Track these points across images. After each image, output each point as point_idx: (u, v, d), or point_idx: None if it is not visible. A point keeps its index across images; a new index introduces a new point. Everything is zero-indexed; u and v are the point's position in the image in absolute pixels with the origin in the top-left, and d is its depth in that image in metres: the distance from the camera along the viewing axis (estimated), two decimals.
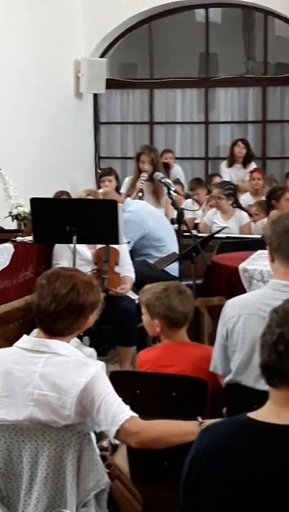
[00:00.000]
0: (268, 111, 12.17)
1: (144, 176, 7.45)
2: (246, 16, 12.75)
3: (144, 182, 7.46)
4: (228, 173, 10.52)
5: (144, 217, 6.73)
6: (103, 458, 2.97)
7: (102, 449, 3.12)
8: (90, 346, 4.48)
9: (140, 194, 7.41)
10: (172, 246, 6.51)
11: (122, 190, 7.78)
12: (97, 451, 2.92)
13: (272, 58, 12.26)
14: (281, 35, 12.33)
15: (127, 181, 7.98)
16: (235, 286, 5.48)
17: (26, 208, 6.55)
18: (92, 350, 4.28)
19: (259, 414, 2.12)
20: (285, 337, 2.08)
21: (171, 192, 6.09)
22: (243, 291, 5.04)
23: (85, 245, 6.01)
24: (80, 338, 4.28)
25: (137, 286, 6.20)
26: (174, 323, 3.77)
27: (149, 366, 3.74)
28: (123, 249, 6.13)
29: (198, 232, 8.02)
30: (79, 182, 10.65)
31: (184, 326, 3.83)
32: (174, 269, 6.12)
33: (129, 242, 6.42)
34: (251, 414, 2.13)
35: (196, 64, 12.87)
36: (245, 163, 10.53)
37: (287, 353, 2.06)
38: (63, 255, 6.04)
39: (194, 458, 2.15)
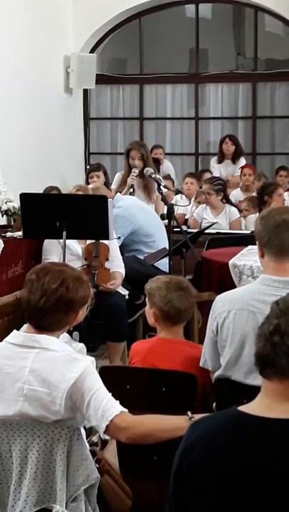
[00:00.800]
0: (258, 107, 12.17)
1: (135, 171, 7.44)
2: (236, 12, 12.75)
3: (135, 178, 7.45)
4: (218, 169, 10.54)
5: (134, 213, 6.73)
6: (93, 453, 2.97)
7: (91, 444, 3.13)
8: (80, 342, 4.48)
9: (131, 190, 7.40)
10: (162, 241, 6.51)
11: (113, 186, 7.77)
12: (87, 446, 2.92)
13: (262, 54, 12.26)
14: (271, 31, 12.33)
15: (117, 177, 7.97)
16: (225, 282, 5.49)
17: (16, 204, 6.53)
18: (81, 346, 4.28)
19: (250, 407, 2.12)
20: (281, 328, 2.08)
21: (162, 187, 6.09)
22: (233, 286, 5.05)
23: (75, 240, 6.00)
24: (70, 333, 4.28)
25: (127, 282, 6.22)
26: (168, 317, 3.77)
27: (140, 358, 3.75)
28: (113, 244, 6.13)
29: (188, 227, 8.03)
30: (69, 177, 10.65)
31: (179, 323, 3.82)
32: (164, 264, 6.12)
33: (119, 238, 6.42)
34: (242, 408, 2.13)
35: (186, 59, 12.86)
36: (234, 159, 10.56)
37: (282, 345, 2.06)
38: (53, 250, 6.03)
39: (184, 451, 2.15)
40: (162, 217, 6.00)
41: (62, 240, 5.57)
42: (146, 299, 3.88)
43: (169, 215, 5.65)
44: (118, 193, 7.14)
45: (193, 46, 12.32)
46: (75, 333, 4.50)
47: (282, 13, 10.95)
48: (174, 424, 2.89)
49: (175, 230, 5.99)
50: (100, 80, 11.84)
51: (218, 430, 2.12)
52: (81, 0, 11.31)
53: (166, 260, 5.89)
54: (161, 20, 12.15)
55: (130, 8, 11.59)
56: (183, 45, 12.63)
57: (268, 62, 12.68)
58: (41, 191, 8.61)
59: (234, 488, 2.03)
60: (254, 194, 8.74)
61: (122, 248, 6.51)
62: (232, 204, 8.56)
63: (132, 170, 7.48)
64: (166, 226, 6.18)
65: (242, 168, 10.03)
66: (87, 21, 11.45)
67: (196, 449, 2.11)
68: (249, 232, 7.25)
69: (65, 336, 3.47)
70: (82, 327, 4.74)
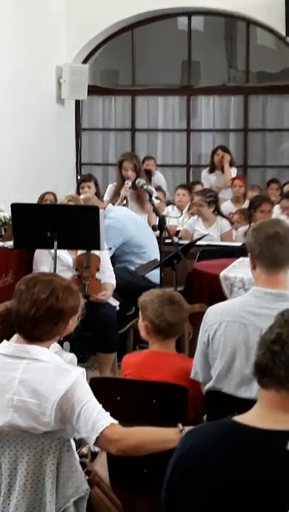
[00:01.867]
0: (249, 119, 12.21)
1: (128, 183, 7.45)
2: (228, 25, 12.81)
3: (129, 189, 7.46)
4: (209, 180, 10.56)
5: (126, 224, 6.73)
6: (83, 465, 2.96)
7: (81, 455, 3.11)
8: (71, 352, 4.47)
9: (124, 202, 7.41)
10: (154, 253, 6.51)
11: (106, 197, 7.77)
12: (77, 457, 2.91)
13: (254, 67, 12.31)
14: (263, 44, 12.38)
15: (110, 188, 7.97)
16: (216, 294, 5.49)
17: (7, 214, 6.52)
18: (72, 356, 4.26)
19: (245, 417, 2.11)
20: (283, 337, 2.08)
21: (153, 199, 6.09)
22: (224, 298, 5.05)
23: (65, 251, 5.99)
24: (61, 343, 4.26)
25: (118, 293, 6.20)
26: (159, 330, 3.77)
27: (132, 371, 3.74)
28: (104, 255, 6.12)
29: (180, 239, 8.03)
30: (60, 188, 10.61)
31: (170, 337, 3.82)
32: (155, 276, 6.11)
33: (110, 249, 6.41)
34: (237, 417, 2.12)
35: (179, 72, 12.90)
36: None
37: (281, 354, 2.06)
38: (44, 261, 6.02)
39: (178, 459, 2.14)
40: (154, 228, 5.99)
41: (53, 251, 5.56)
42: (139, 311, 3.87)
43: (161, 227, 5.65)
44: (110, 204, 7.13)
45: (185, 58, 12.37)
46: (66, 344, 4.49)
47: (274, 26, 11.00)
48: (164, 436, 2.88)
49: (166, 241, 5.98)
50: (92, 91, 11.86)
51: (212, 439, 2.11)
52: (74, 11, 11.33)
53: (157, 271, 5.88)
54: (154, 32, 12.19)
55: (123, 19, 11.63)
56: (175, 58, 12.67)
57: (260, 75, 12.74)
58: (33, 201, 8.58)
59: (227, 498, 2.03)
60: (245, 206, 8.77)
61: (114, 259, 6.51)
62: (223, 216, 8.57)
63: (125, 182, 7.49)
64: (157, 237, 6.18)
65: (233, 179, 10.05)
66: (79, 32, 11.48)
67: (189, 458, 2.11)
68: (240, 244, 7.25)
69: (55, 346, 3.45)
70: (73, 338, 4.73)
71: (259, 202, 7.83)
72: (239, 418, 2.12)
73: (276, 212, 8.50)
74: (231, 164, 10.63)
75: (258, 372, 2.12)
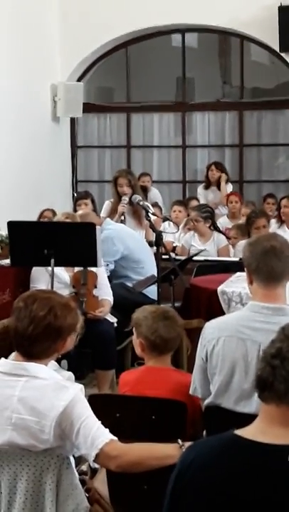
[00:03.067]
0: (244, 135, 12.24)
1: (126, 199, 7.46)
2: (222, 41, 12.86)
3: (126, 205, 7.47)
4: (205, 196, 10.59)
5: (124, 237, 6.73)
6: (82, 482, 2.95)
7: (81, 473, 3.10)
8: (69, 370, 4.46)
9: (122, 218, 7.42)
10: (151, 268, 6.51)
11: (102, 214, 7.78)
12: (77, 475, 2.90)
13: (248, 83, 12.36)
14: (257, 60, 12.44)
15: (107, 205, 7.98)
16: (213, 309, 5.49)
17: (4, 231, 6.52)
18: (70, 374, 4.25)
19: (245, 431, 2.11)
20: (283, 352, 2.09)
21: (150, 215, 6.10)
22: (221, 313, 5.04)
23: (62, 268, 5.99)
24: (58, 361, 4.25)
25: (116, 309, 6.20)
26: (154, 346, 3.76)
27: (129, 388, 3.74)
28: (101, 271, 6.12)
29: (177, 254, 8.04)
30: (56, 205, 10.61)
31: (165, 353, 3.81)
32: (152, 292, 6.11)
33: (107, 265, 6.40)
34: (238, 431, 2.12)
35: (173, 88, 12.95)
36: (220, 185, 10.62)
37: (281, 369, 2.07)
38: (41, 279, 6.02)
39: (180, 473, 2.14)
40: (150, 244, 6.00)
41: (50, 268, 5.56)
42: (133, 329, 3.87)
43: (158, 242, 5.66)
44: (107, 218, 7.14)
45: (179, 75, 12.41)
46: (64, 362, 4.49)
47: (268, 42, 11.05)
48: (164, 452, 2.87)
49: (163, 257, 5.99)
50: (87, 108, 11.89)
51: (213, 453, 2.11)
52: (68, 29, 11.38)
53: (154, 287, 5.88)
54: (148, 49, 12.24)
55: (117, 37, 11.68)
56: (169, 74, 12.73)
57: (254, 90, 12.79)
58: (28, 219, 8.60)
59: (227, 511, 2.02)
60: (241, 221, 8.77)
61: (111, 274, 6.51)
62: (220, 231, 8.58)
63: (122, 198, 7.51)
64: (154, 253, 6.18)
65: (228, 195, 10.08)
66: (74, 50, 11.52)
67: (191, 471, 2.11)
68: (237, 259, 7.26)
69: (53, 364, 3.45)
70: (71, 355, 4.72)
71: (253, 218, 7.85)
72: (240, 432, 2.12)
73: (273, 226, 8.51)
74: (227, 181, 10.67)
75: (258, 387, 2.12)
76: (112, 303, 6.13)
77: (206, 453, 2.13)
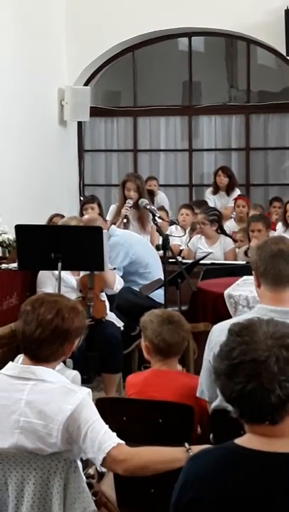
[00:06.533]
0: (251, 138, 12.23)
1: (130, 202, 7.46)
2: (229, 45, 12.85)
3: (130, 209, 7.47)
4: (213, 200, 10.57)
5: (132, 242, 6.73)
6: (90, 485, 2.95)
7: (88, 476, 3.10)
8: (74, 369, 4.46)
9: (125, 220, 7.41)
10: (158, 272, 6.51)
11: (108, 217, 7.78)
12: (84, 478, 2.90)
13: (255, 86, 12.35)
14: (263, 63, 12.43)
15: (112, 209, 7.99)
16: (220, 312, 5.48)
17: (11, 235, 6.53)
18: (75, 373, 4.26)
19: (248, 441, 2.11)
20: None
21: (156, 218, 6.10)
22: (228, 317, 5.03)
23: (69, 272, 5.99)
24: (63, 361, 4.25)
25: (123, 313, 6.20)
26: (158, 350, 3.76)
27: (136, 391, 3.73)
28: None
29: (183, 258, 8.03)
30: (64, 209, 10.62)
31: (170, 357, 3.81)
32: (159, 295, 6.11)
33: (114, 269, 6.39)
34: (239, 441, 2.11)
35: (180, 92, 12.94)
36: (228, 191, 10.61)
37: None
38: (47, 283, 6.02)
39: (183, 485, 2.13)
40: (157, 248, 5.99)
41: (56, 272, 5.56)
42: (142, 332, 3.88)
43: (164, 246, 5.65)
44: (113, 225, 7.14)
45: (186, 79, 12.40)
46: (69, 361, 4.48)
47: (274, 45, 11.03)
48: (171, 455, 2.87)
49: (170, 260, 5.98)
50: (94, 112, 11.90)
51: (216, 464, 2.10)
52: (75, 33, 11.40)
53: (161, 291, 5.88)
54: (155, 53, 12.24)
55: (124, 41, 11.68)
56: (176, 78, 12.72)
57: (261, 94, 12.78)
58: (35, 223, 8.60)
59: None
60: None
61: None
62: (226, 234, 8.57)
63: (126, 201, 7.51)
64: (161, 257, 6.17)
65: (235, 199, 10.06)
66: (80, 54, 11.53)
67: (194, 483, 2.10)
68: (244, 262, 7.25)
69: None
70: (76, 358, 4.72)
71: (250, 222, 7.84)
72: (242, 442, 2.11)
73: (279, 229, 8.49)
74: (234, 186, 10.66)
75: None
76: (116, 278, 6.12)
77: (208, 464, 2.12)
